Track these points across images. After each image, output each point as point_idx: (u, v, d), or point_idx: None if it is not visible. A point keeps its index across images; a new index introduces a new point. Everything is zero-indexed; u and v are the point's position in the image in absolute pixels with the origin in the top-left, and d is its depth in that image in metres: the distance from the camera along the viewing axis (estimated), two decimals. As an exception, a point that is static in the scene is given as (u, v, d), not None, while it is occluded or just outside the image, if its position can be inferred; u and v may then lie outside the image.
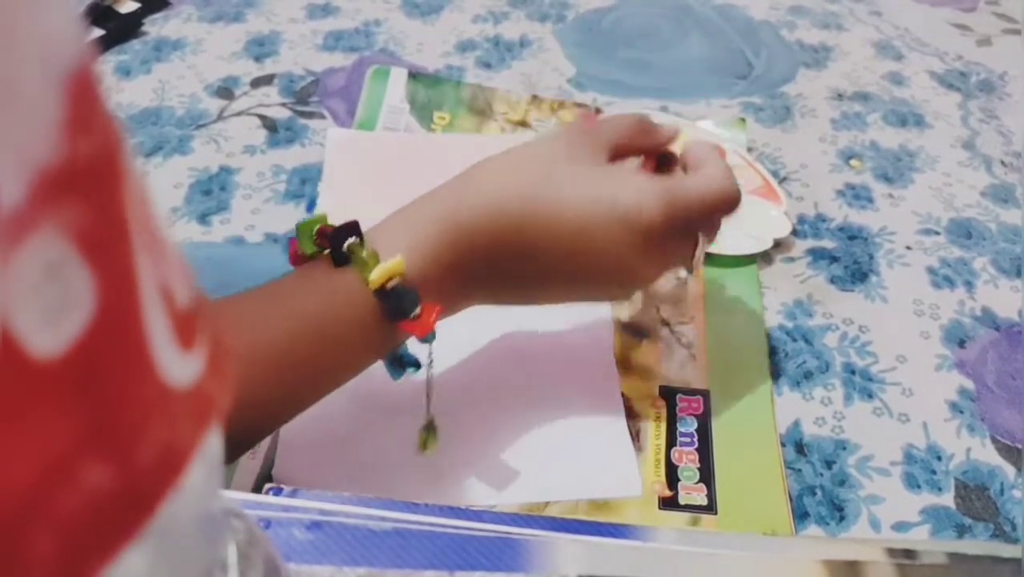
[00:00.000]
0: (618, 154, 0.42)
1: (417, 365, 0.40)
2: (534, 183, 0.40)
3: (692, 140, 0.44)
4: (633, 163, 0.43)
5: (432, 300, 0.38)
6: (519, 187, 0.39)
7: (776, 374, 0.48)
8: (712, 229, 0.43)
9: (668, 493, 0.42)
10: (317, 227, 0.38)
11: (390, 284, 0.37)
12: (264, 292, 0.38)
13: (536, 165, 0.41)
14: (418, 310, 0.37)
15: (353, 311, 0.37)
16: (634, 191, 0.39)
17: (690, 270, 0.43)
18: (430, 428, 0.43)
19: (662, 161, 0.44)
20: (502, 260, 0.39)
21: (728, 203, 0.41)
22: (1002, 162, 0.62)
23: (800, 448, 0.44)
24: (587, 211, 0.39)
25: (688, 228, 0.41)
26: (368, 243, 0.38)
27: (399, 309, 0.37)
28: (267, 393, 0.36)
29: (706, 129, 0.63)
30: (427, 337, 0.38)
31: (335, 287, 0.37)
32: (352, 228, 0.38)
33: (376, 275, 0.37)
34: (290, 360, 0.36)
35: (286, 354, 0.36)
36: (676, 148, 0.44)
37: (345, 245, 0.37)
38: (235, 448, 0.38)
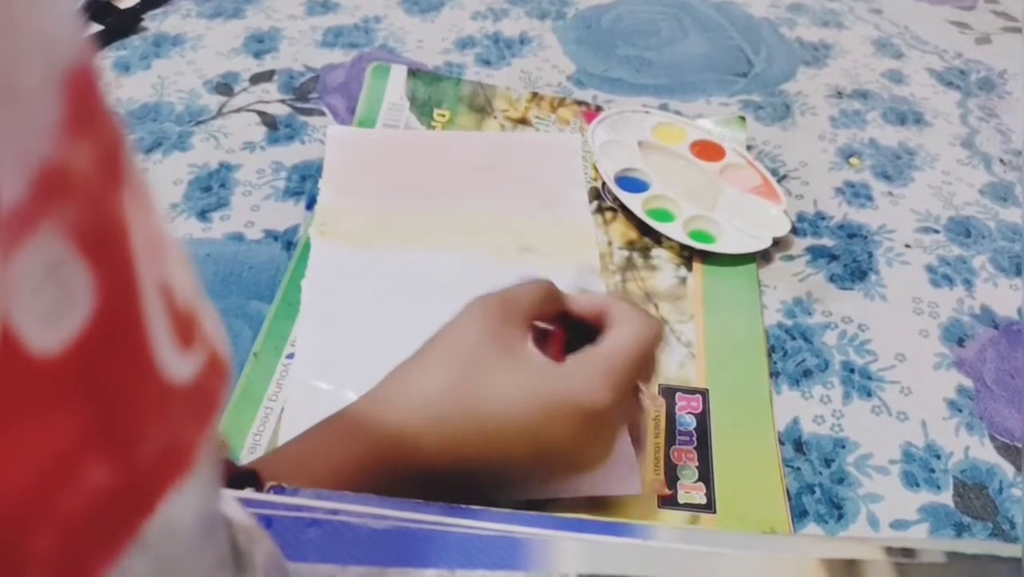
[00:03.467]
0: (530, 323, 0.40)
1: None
2: (466, 393, 0.36)
3: (589, 296, 0.42)
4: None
5: None
6: (447, 405, 0.36)
7: (775, 372, 0.48)
8: (650, 372, 0.41)
9: (667, 492, 0.42)
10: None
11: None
12: None
13: (462, 370, 0.37)
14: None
15: None
16: (581, 383, 0.37)
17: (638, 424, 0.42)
18: None
19: (569, 330, 0.41)
20: (440, 472, 0.36)
21: (656, 341, 0.39)
22: (1001, 160, 0.62)
23: (799, 446, 0.44)
24: (528, 419, 0.36)
25: (631, 388, 0.39)
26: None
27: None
28: None
29: (705, 127, 0.63)
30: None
31: None
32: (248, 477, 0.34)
33: None
34: None
35: None
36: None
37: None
38: None
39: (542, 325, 0.40)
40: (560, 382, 0.37)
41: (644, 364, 0.39)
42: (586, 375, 0.37)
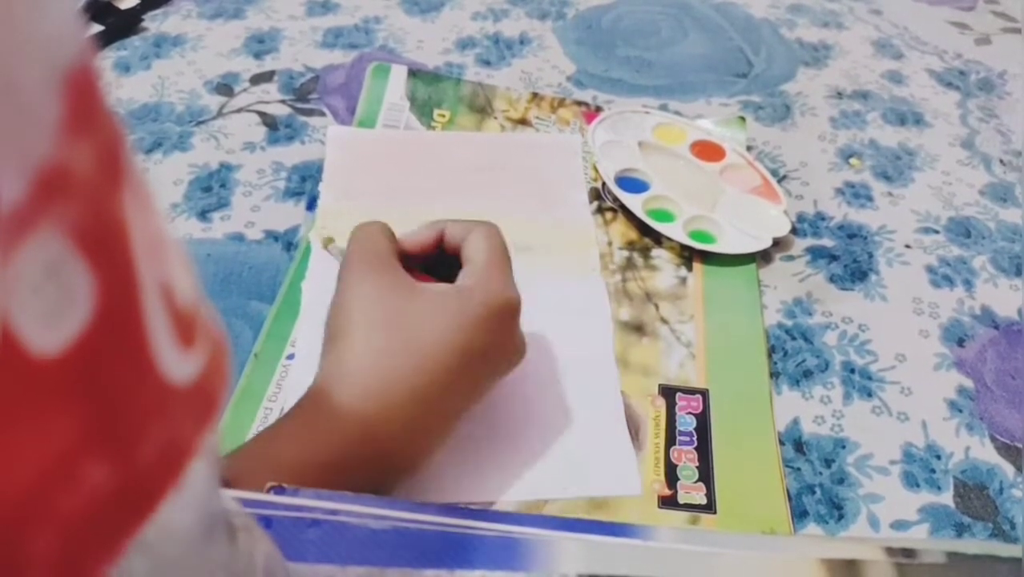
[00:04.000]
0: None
1: None
2: (397, 347, 0.37)
3: (414, 234, 0.44)
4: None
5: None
6: (390, 362, 0.37)
7: (775, 373, 0.48)
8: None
9: (667, 492, 0.42)
10: None
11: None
12: None
13: (382, 329, 0.38)
14: None
15: None
16: (491, 290, 0.39)
17: None
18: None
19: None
20: (398, 438, 0.37)
21: (497, 233, 0.42)
22: (1001, 161, 0.62)
23: (799, 447, 0.44)
24: (468, 334, 0.38)
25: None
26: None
27: None
28: None
29: (705, 128, 0.63)
30: None
31: None
32: None
33: None
34: None
35: None
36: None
37: None
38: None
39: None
40: (473, 297, 0.39)
41: (507, 254, 0.42)
42: (487, 283, 0.39)
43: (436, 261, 0.43)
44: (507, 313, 0.39)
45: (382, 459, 0.37)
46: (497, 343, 0.39)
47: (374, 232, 0.41)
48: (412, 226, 0.54)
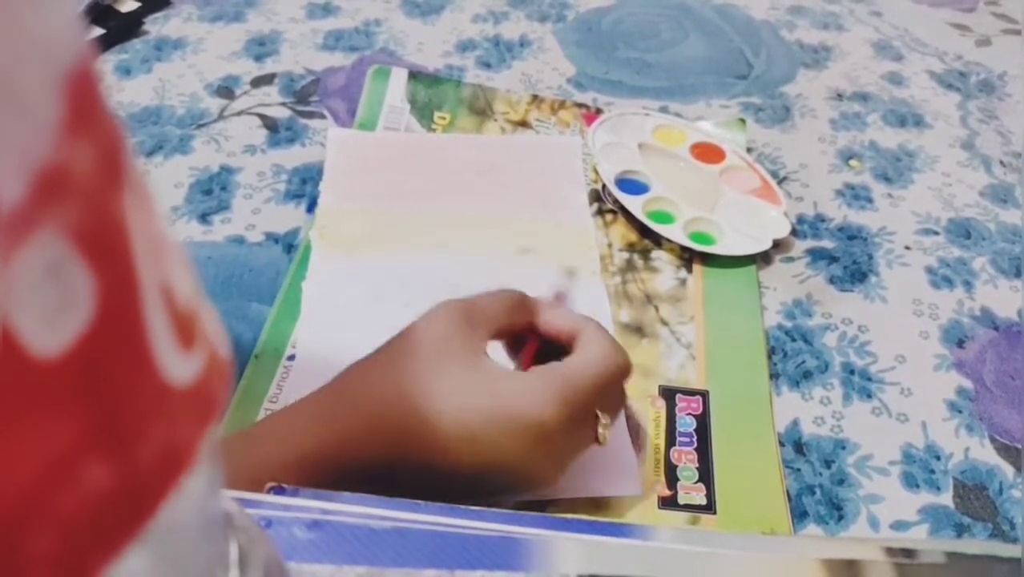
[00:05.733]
0: (498, 335, 0.40)
1: None
2: (416, 393, 0.36)
3: (563, 313, 0.41)
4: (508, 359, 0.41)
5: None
6: (396, 403, 0.36)
7: (775, 374, 0.48)
8: (614, 404, 0.40)
9: (667, 492, 0.42)
10: None
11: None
12: None
13: (411, 372, 0.37)
14: None
15: None
16: (531, 396, 0.36)
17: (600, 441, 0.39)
18: None
19: (543, 343, 0.41)
20: (383, 472, 0.36)
21: (621, 372, 0.39)
22: (1001, 162, 0.62)
23: (799, 447, 0.44)
24: (474, 424, 0.35)
25: (587, 413, 0.38)
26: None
27: None
28: None
29: (705, 129, 0.63)
30: None
31: None
32: None
33: None
34: None
35: None
36: (554, 321, 0.41)
37: None
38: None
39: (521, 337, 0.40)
40: (511, 392, 0.36)
41: (605, 391, 0.38)
42: (539, 389, 0.36)
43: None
44: (536, 431, 0.36)
45: (357, 474, 0.36)
46: (516, 450, 0.36)
47: (499, 297, 0.40)
48: (412, 227, 0.54)
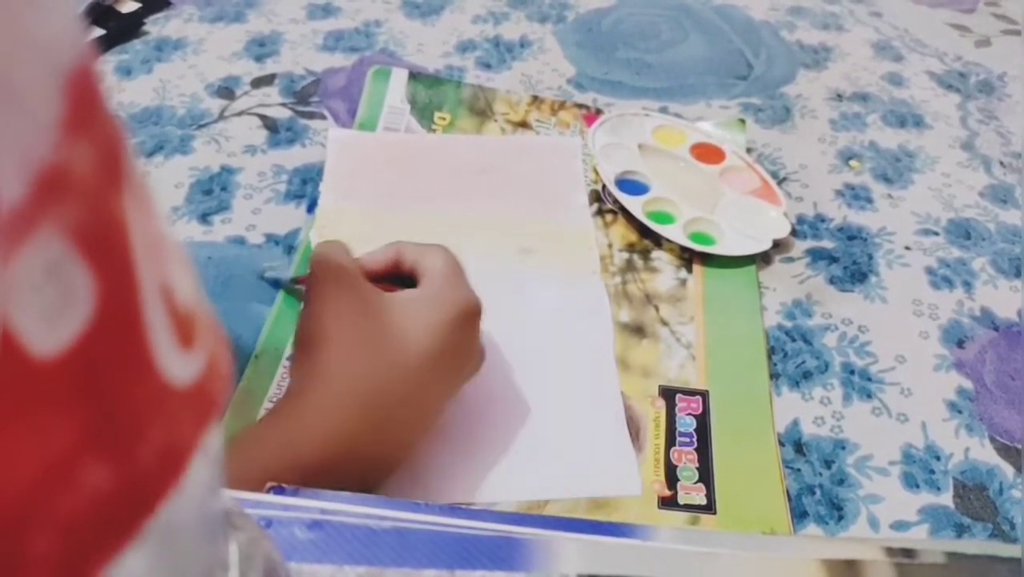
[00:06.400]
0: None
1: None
2: (376, 359, 0.38)
3: (371, 254, 0.44)
4: None
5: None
6: (368, 370, 0.38)
7: (775, 374, 0.48)
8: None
9: (667, 493, 0.42)
10: None
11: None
12: None
13: (360, 341, 0.39)
14: None
15: None
16: (455, 296, 0.40)
17: None
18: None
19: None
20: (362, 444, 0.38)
21: (446, 252, 0.43)
22: (1001, 163, 0.63)
23: (799, 448, 0.44)
24: (440, 334, 0.39)
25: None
26: None
27: None
28: None
29: (705, 130, 0.63)
30: None
31: None
32: None
33: None
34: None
35: None
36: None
37: None
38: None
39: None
40: (439, 301, 0.40)
41: (461, 267, 0.43)
42: (450, 289, 0.41)
43: (391, 281, 0.43)
44: (471, 315, 0.41)
45: (363, 459, 0.38)
46: (462, 344, 0.41)
47: (337, 249, 0.42)
48: (411, 228, 0.54)
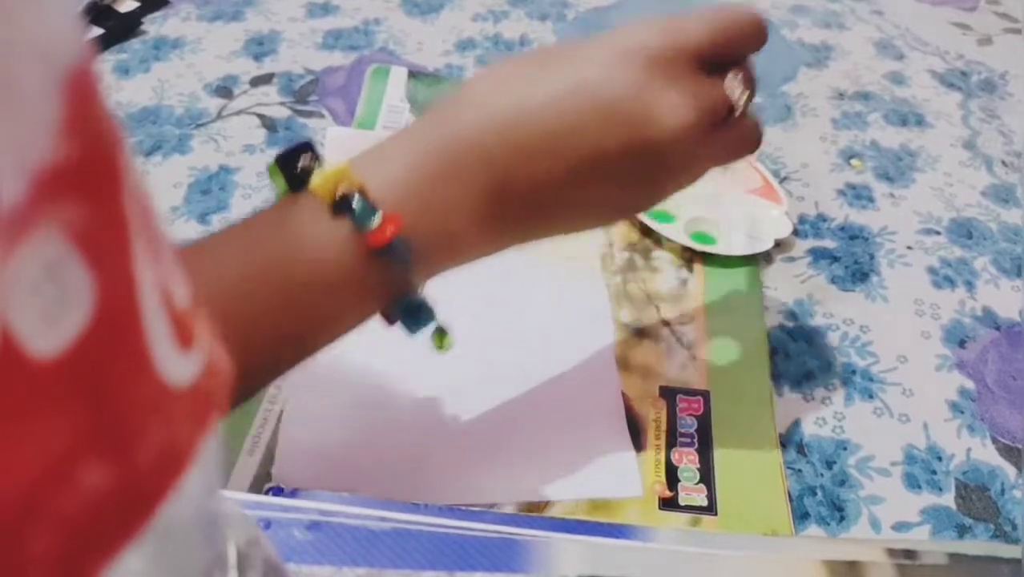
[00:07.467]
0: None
1: (431, 316, 0.35)
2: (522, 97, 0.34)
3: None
4: None
5: (417, 242, 0.32)
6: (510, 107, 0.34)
7: (776, 374, 0.48)
8: (741, 63, 0.37)
9: (668, 494, 0.42)
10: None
11: (338, 192, 0.31)
12: (218, 237, 0.33)
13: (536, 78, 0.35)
14: (375, 221, 0.31)
15: (315, 237, 0.32)
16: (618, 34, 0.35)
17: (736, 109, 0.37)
18: (440, 331, 0.37)
19: None
20: (502, 189, 0.34)
21: (752, 25, 0.37)
22: (1003, 162, 0.62)
23: (800, 448, 0.44)
24: (567, 86, 0.34)
25: (702, 59, 0.36)
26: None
27: (352, 222, 0.31)
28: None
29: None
30: (387, 251, 0.32)
31: (295, 218, 0.32)
32: (306, 147, 0.33)
33: (318, 181, 0.31)
34: (251, 305, 0.31)
35: (246, 299, 0.31)
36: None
37: (299, 166, 0.32)
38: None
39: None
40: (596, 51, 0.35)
41: (723, 40, 0.37)
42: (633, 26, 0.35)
43: None
44: (644, 51, 0.35)
45: (495, 192, 0.34)
46: (632, 84, 0.34)
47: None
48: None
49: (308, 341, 0.33)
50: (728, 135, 0.38)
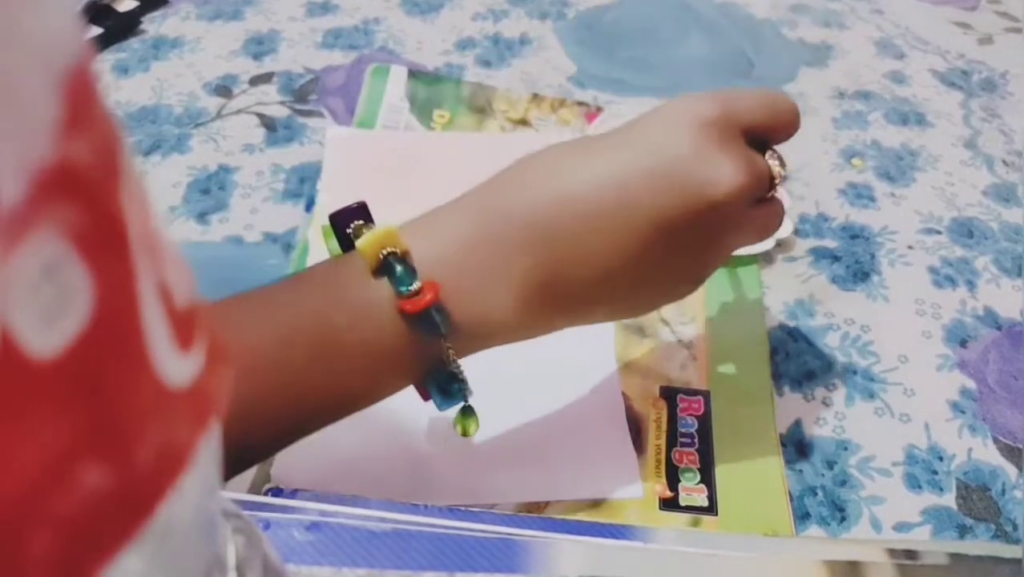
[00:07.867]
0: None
1: (463, 394, 0.35)
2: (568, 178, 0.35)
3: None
4: None
5: (455, 315, 0.33)
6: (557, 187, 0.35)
7: (777, 374, 0.48)
8: (777, 132, 0.39)
9: (668, 494, 0.42)
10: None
11: (383, 253, 0.32)
12: (270, 288, 0.33)
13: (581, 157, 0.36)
14: (414, 285, 0.32)
15: (355, 296, 0.32)
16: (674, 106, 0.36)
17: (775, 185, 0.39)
18: (466, 412, 0.38)
19: None
20: (546, 267, 0.34)
21: (787, 109, 0.39)
22: (1004, 161, 0.62)
23: (801, 448, 0.44)
24: (622, 160, 0.35)
25: (748, 133, 0.37)
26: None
27: (391, 284, 0.32)
28: (260, 410, 0.31)
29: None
30: (423, 318, 0.32)
31: (338, 277, 0.33)
32: (359, 210, 0.34)
33: (365, 242, 0.32)
34: (289, 355, 0.31)
35: (285, 348, 0.31)
36: None
37: (350, 228, 0.34)
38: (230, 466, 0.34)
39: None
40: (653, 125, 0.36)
41: (767, 114, 0.38)
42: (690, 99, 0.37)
43: None
44: (700, 119, 0.35)
45: (541, 275, 0.34)
46: (684, 152, 0.35)
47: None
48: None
49: (342, 401, 0.34)
50: (766, 210, 0.39)
